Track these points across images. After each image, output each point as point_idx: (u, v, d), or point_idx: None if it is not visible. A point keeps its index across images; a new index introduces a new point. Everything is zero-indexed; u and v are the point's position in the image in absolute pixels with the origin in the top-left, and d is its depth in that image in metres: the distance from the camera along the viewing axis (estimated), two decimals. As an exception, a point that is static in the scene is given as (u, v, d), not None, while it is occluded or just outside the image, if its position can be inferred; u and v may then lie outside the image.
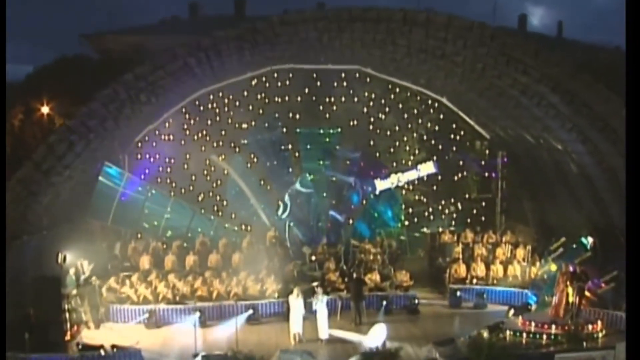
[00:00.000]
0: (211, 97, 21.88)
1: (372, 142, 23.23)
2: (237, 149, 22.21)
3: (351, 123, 22.93)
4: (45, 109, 24.05)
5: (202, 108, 21.93)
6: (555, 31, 34.07)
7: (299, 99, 22.54)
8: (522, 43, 17.24)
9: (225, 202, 22.14)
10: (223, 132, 22.14)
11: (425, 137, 23.53)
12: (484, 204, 23.74)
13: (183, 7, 32.77)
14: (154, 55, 17.42)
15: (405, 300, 18.46)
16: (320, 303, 15.58)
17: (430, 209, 23.64)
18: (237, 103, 22.12)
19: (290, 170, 22.52)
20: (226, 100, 22.07)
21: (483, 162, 23.71)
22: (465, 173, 23.85)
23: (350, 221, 22.46)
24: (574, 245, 18.63)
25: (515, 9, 49.87)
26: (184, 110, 21.78)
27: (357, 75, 22.66)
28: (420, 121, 23.44)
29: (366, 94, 23.01)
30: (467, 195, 23.85)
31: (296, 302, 15.64)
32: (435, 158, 22.85)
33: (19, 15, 40.91)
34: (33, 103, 24.23)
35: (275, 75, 22.07)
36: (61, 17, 54.80)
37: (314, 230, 21.75)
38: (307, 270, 19.56)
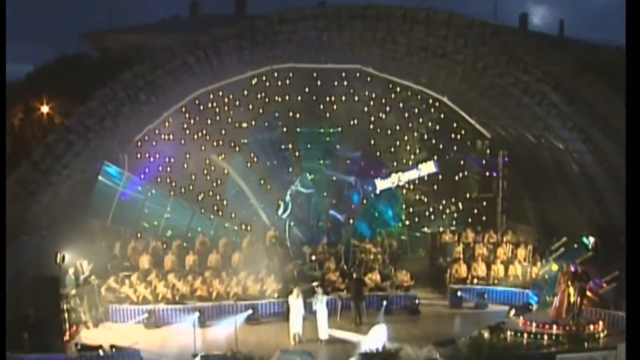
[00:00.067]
0: (211, 96, 21.84)
1: (372, 142, 23.18)
2: (237, 149, 22.16)
3: (351, 122, 22.89)
4: (45, 109, 24.05)
5: (202, 107, 21.89)
6: (556, 30, 34.01)
7: (299, 98, 22.48)
8: (524, 41, 17.15)
9: (225, 202, 22.09)
10: (223, 132, 22.09)
11: (426, 137, 23.47)
12: (484, 203, 23.67)
13: (184, 6, 32.82)
14: (153, 54, 17.34)
15: (406, 301, 18.40)
16: (320, 303, 15.52)
17: (431, 209, 23.58)
18: (237, 102, 22.08)
19: (291, 169, 22.48)
20: (226, 100, 22.03)
21: (484, 162, 23.63)
22: (466, 172, 23.78)
23: (351, 221, 22.39)
24: (575, 245, 18.55)
25: (516, 8, 49.78)
26: (183, 109, 21.74)
27: (358, 74, 22.60)
28: (421, 120, 23.37)
29: (367, 93, 22.95)
30: (468, 195, 23.79)
31: (296, 303, 15.58)
32: (436, 157, 22.81)
33: (19, 15, 40.90)
34: (33, 102, 24.24)
35: (276, 74, 22.02)
36: (61, 17, 54.80)
37: (314, 230, 21.68)
38: (307, 270, 19.52)
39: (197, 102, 21.76)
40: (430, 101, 23.18)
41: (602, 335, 15.25)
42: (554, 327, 15.14)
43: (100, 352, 13.69)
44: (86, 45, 27.99)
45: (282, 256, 19.73)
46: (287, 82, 22.23)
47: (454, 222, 23.41)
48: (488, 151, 23.80)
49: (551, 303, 16.46)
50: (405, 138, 23.42)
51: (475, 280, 19.35)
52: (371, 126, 23.15)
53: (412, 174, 22.61)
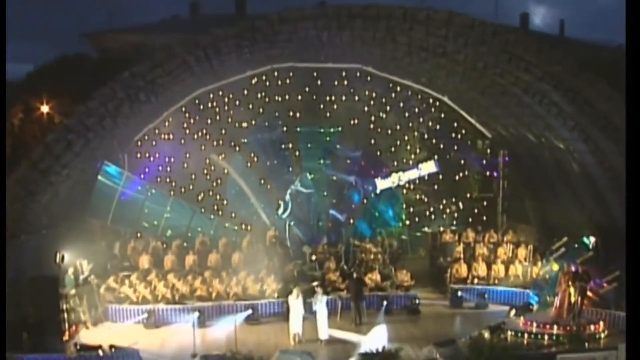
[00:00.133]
0: (211, 95, 21.82)
1: (373, 141, 23.15)
2: (237, 148, 22.14)
3: (352, 122, 22.87)
4: (45, 108, 24.00)
5: (202, 107, 21.88)
6: (557, 30, 33.94)
7: (299, 97, 22.46)
8: (524, 40, 17.10)
9: (225, 202, 22.07)
10: (223, 131, 22.07)
11: (426, 136, 23.44)
12: (485, 203, 23.64)
13: (184, 6, 32.77)
14: (153, 53, 17.31)
15: (406, 300, 18.36)
16: (320, 303, 15.48)
17: (432, 208, 23.56)
18: (237, 102, 22.06)
19: (291, 169, 22.46)
20: (226, 99, 22.01)
21: (484, 161, 23.60)
22: (466, 172, 23.75)
23: (351, 220, 22.37)
24: (576, 245, 18.50)
25: (517, 8, 49.68)
26: (183, 109, 21.72)
27: (358, 74, 22.56)
28: (421, 120, 23.34)
29: (367, 92, 22.92)
30: (468, 195, 23.76)
31: (296, 303, 15.53)
32: (436, 157, 22.76)
33: (19, 15, 40.90)
34: (33, 102, 24.20)
35: (276, 74, 21.99)
36: (62, 17, 54.78)
37: (315, 230, 21.65)
38: (307, 270, 19.48)
39: (197, 101, 21.75)
40: (431, 101, 23.15)
41: (602, 335, 15.20)
42: (555, 327, 15.10)
43: (100, 352, 13.66)
44: (86, 45, 27.96)
45: (282, 256, 19.70)
46: (287, 81, 22.20)
47: (455, 222, 23.39)
48: (488, 151, 23.77)
49: (552, 303, 16.42)
50: (406, 138, 23.40)
51: (475, 280, 19.31)
52: (371, 126, 23.12)
53: (413, 174, 22.57)
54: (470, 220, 23.17)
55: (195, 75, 18.25)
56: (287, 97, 22.32)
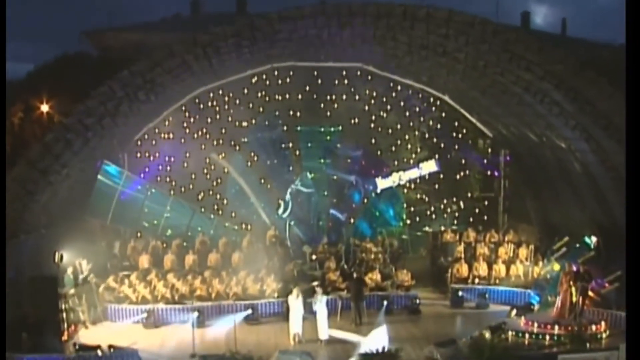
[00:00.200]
0: (211, 95, 21.78)
1: (373, 141, 23.08)
2: (237, 147, 22.08)
3: (352, 121, 22.81)
4: (45, 108, 23.95)
5: (202, 106, 21.83)
6: (558, 29, 33.81)
7: (299, 96, 22.40)
8: (525, 39, 17.03)
9: (225, 201, 22.02)
10: (223, 131, 22.02)
11: (427, 135, 23.37)
12: (486, 202, 23.57)
13: (184, 5, 32.71)
14: (152, 52, 17.26)
15: (407, 300, 18.30)
16: (320, 303, 15.42)
17: (432, 208, 23.49)
18: (237, 101, 22.01)
19: (291, 168, 22.41)
20: (226, 98, 21.96)
21: (485, 161, 23.55)
22: (467, 171, 23.67)
23: (352, 220, 22.34)
24: (578, 245, 18.47)
25: (518, 7, 49.66)
26: (183, 108, 21.68)
27: (359, 73, 22.49)
28: (422, 119, 23.28)
29: (367, 91, 22.85)
30: (469, 194, 23.68)
31: (295, 303, 15.47)
32: (437, 156, 22.74)
33: (19, 14, 40.89)
34: (33, 101, 24.15)
35: (276, 73, 21.93)
36: (62, 16, 54.81)
37: (315, 229, 21.61)
38: (308, 270, 19.44)
39: (197, 100, 21.70)
40: (432, 100, 23.09)
41: (604, 335, 15.16)
42: (556, 327, 15.07)
43: (99, 352, 13.61)
44: (87, 44, 27.89)
45: (282, 256, 19.65)
46: (288, 80, 22.14)
47: (455, 222, 23.32)
48: (489, 150, 23.72)
49: (553, 303, 16.38)
50: (406, 137, 23.33)
51: (476, 280, 19.26)
52: (372, 125, 23.05)
53: (413, 173, 22.53)
54: (471, 219, 23.11)
55: (195, 74, 18.19)
56: (287, 96, 22.26)
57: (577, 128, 17.44)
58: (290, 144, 22.40)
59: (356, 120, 22.83)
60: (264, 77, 21.96)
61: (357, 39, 18.15)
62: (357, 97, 22.77)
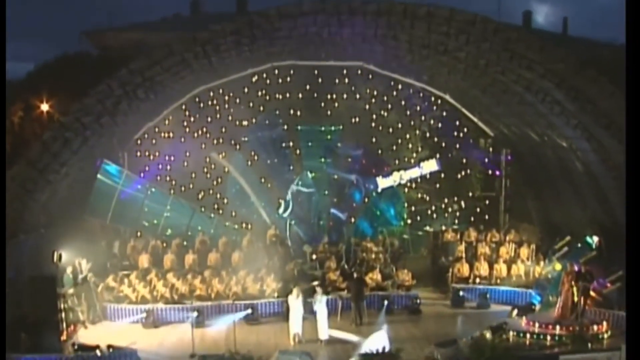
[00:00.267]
0: (211, 93, 21.74)
1: (374, 140, 23.01)
2: (237, 147, 22.03)
3: (353, 120, 22.74)
4: (45, 107, 23.93)
5: (202, 105, 21.79)
6: (559, 28, 33.71)
7: (300, 95, 22.35)
8: (526, 38, 16.97)
9: (225, 200, 21.97)
10: (223, 130, 21.96)
11: (428, 135, 23.30)
12: (487, 202, 23.50)
13: (184, 4, 32.63)
14: (150, 50, 17.20)
15: (407, 300, 18.24)
16: (320, 303, 15.37)
17: (433, 207, 23.41)
18: (238, 100, 21.96)
19: (291, 168, 22.36)
20: (226, 97, 21.92)
21: (487, 160, 23.47)
22: (468, 171, 23.60)
23: (352, 219, 22.28)
24: (579, 244, 18.42)
25: (520, 6, 49.43)
26: (183, 107, 21.64)
27: (359, 71, 22.42)
28: (423, 118, 23.20)
29: (368, 90, 22.78)
30: (470, 194, 23.61)
31: (296, 302, 15.41)
32: (438, 156, 22.70)
33: (19, 14, 40.88)
34: (33, 101, 24.13)
35: (276, 71, 21.89)
36: (62, 15, 54.80)
37: (315, 229, 21.55)
38: (308, 269, 19.39)
39: (197, 99, 21.67)
40: (432, 99, 23.01)
41: (605, 335, 15.08)
42: (557, 327, 15.01)
43: (98, 352, 13.57)
44: (87, 43, 27.86)
45: (283, 255, 19.59)
46: (288, 79, 22.10)
47: (456, 221, 23.24)
48: (491, 149, 23.64)
49: (554, 303, 16.31)
50: (407, 136, 23.26)
51: (477, 280, 19.19)
52: (373, 124, 22.98)
53: (414, 172, 22.49)
54: (472, 219, 23.02)
55: (194, 72, 18.14)
56: (287, 95, 22.21)
57: (578, 127, 17.38)
58: (291, 143, 22.34)
59: (357, 119, 22.76)
60: (265, 76, 21.91)
61: (357, 38, 18.07)
62: (357, 96, 22.70)
